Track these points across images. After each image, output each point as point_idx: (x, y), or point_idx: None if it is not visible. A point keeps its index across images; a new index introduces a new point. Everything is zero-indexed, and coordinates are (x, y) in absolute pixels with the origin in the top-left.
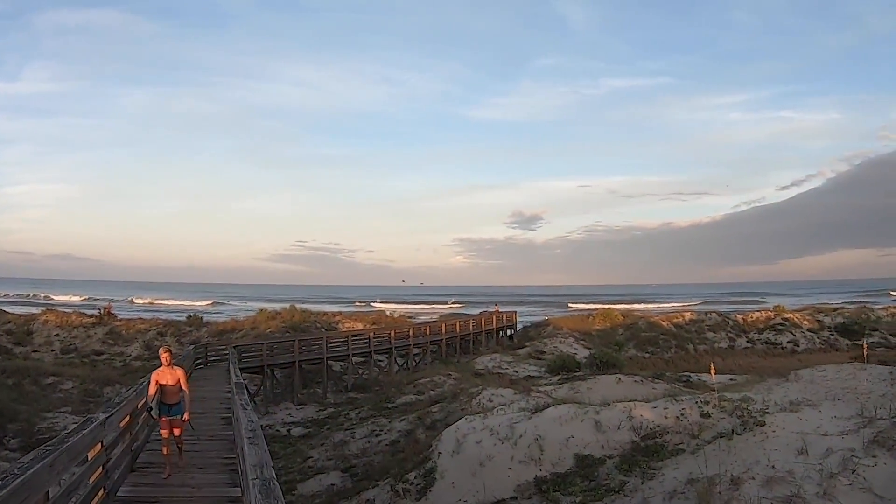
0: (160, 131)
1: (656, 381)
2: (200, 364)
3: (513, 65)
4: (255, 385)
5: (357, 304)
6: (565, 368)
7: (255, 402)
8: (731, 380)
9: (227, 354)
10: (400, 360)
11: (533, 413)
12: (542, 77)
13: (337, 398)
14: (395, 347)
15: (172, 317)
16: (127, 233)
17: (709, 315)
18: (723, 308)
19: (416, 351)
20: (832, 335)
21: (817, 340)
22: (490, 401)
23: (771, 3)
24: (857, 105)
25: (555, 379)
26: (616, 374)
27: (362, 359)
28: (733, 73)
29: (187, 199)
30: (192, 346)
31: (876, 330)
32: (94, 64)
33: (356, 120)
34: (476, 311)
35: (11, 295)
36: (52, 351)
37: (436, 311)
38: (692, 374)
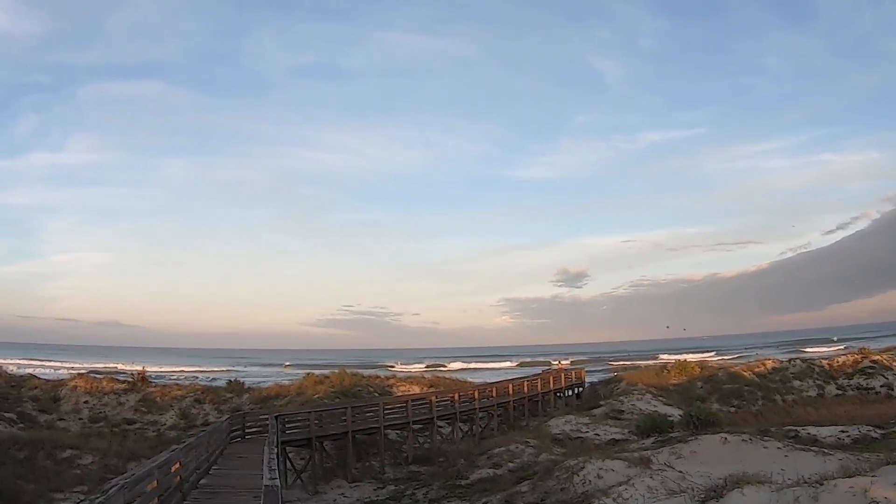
0: (202, 200)
1: (766, 438)
2: (237, 437)
3: (550, 123)
4: (303, 459)
5: (400, 364)
6: (656, 429)
7: (301, 480)
8: (842, 431)
9: (268, 424)
10: (464, 427)
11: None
12: (579, 134)
13: (396, 472)
14: (459, 412)
15: (213, 382)
16: (171, 300)
17: (792, 362)
18: (776, 354)
19: (481, 415)
20: None
21: None
22: (599, 477)
23: (802, 46)
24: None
25: (647, 442)
26: (718, 432)
27: (421, 426)
28: (769, 120)
29: (231, 266)
30: (227, 417)
31: None
32: (136, 134)
33: (397, 184)
34: (521, 370)
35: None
36: (80, 419)
37: (486, 370)
38: (798, 428)
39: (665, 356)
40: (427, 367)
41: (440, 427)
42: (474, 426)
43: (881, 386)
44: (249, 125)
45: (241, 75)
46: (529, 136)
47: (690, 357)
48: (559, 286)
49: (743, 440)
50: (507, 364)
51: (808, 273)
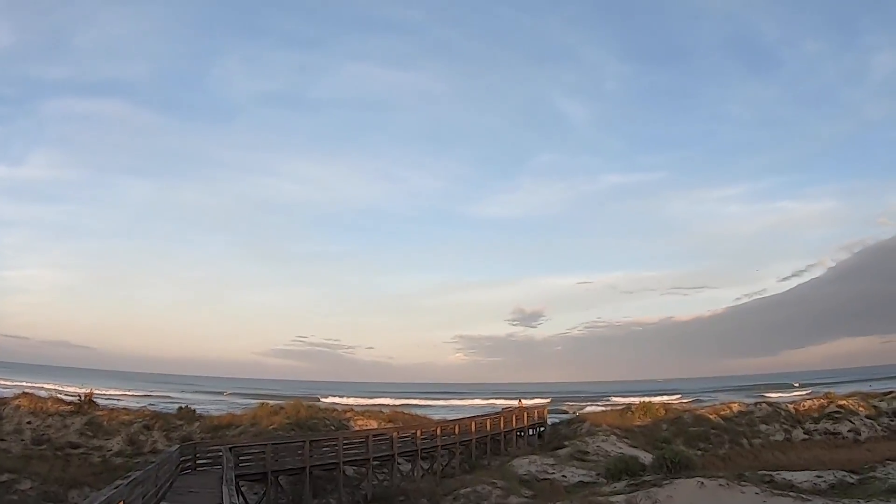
0: (162, 223)
1: (742, 483)
2: (188, 468)
3: (513, 162)
4: (256, 494)
5: (360, 399)
6: (628, 472)
7: None
8: (817, 477)
9: (220, 456)
10: (424, 464)
11: None
12: (541, 174)
13: None
14: (421, 449)
15: (163, 407)
16: (125, 322)
17: (758, 406)
18: (737, 398)
19: (442, 453)
20: (893, 421)
21: (878, 428)
22: None
23: (765, 95)
24: (854, 193)
25: (619, 485)
26: (693, 476)
27: (380, 462)
28: (730, 166)
29: (187, 292)
30: (177, 447)
31: None
32: (99, 153)
33: (357, 216)
34: (478, 408)
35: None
36: (22, 441)
37: (447, 407)
38: (772, 473)
39: (617, 398)
40: (379, 402)
41: (399, 464)
42: (435, 464)
43: (848, 431)
44: (213, 150)
45: (207, 99)
46: (492, 174)
47: (645, 400)
48: (514, 325)
49: (720, 485)
50: (463, 401)
51: (763, 319)
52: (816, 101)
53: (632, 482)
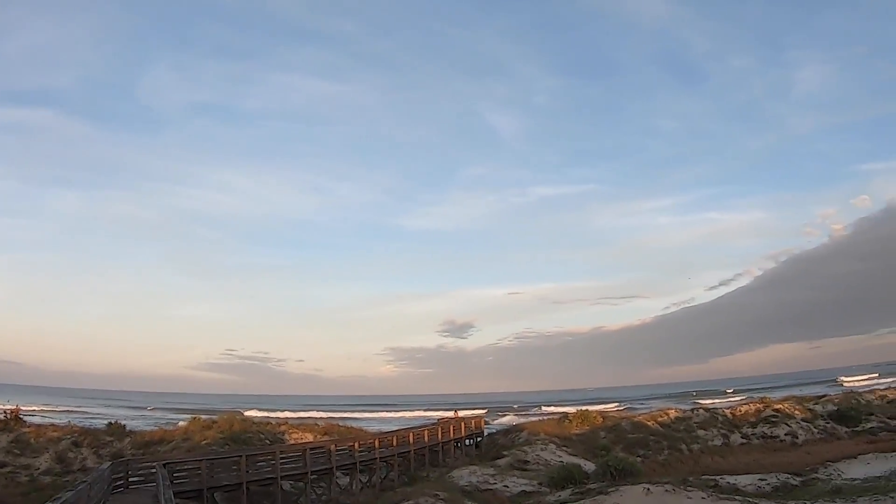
0: (91, 235)
1: (689, 488)
2: (120, 486)
3: (443, 174)
4: None
5: (287, 412)
6: (571, 481)
7: None
8: (760, 480)
9: (154, 473)
10: (363, 477)
11: None
12: (471, 186)
13: None
14: (359, 462)
15: (92, 423)
16: (52, 337)
17: (696, 412)
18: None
19: (381, 465)
20: (828, 423)
21: (815, 430)
22: None
23: (694, 109)
24: (780, 204)
25: (564, 494)
26: (638, 482)
27: (318, 476)
28: (660, 179)
29: (116, 305)
30: (109, 464)
31: (872, 414)
32: (26, 164)
33: (287, 228)
34: (411, 419)
35: None
36: None
37: (378, 419)
38: (716, 478)
39: (548, 408)
40: (311, 415)
41: (337, 478)
42: (374, 477)
43: (785, 434)
44: (143, 161)
45: (136, 109)
46: (422, 186)
47: (582, 408)
48: (445, 336)
49: (666, 490)
50: (396, 414)
51: (692, 327)
52: (743, 114)
53: (577, 490)
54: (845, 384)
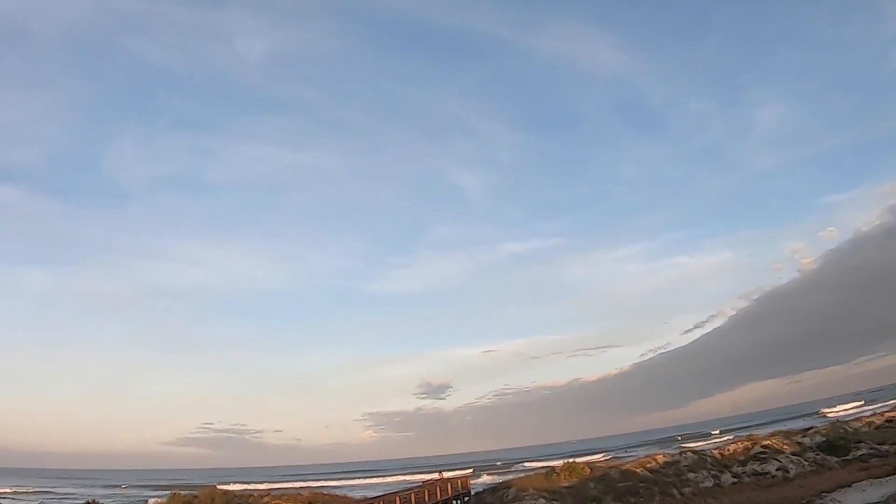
0: (58, 311)
1: None
2: None
3: (411, 236)
4: None
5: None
6: None
7: None
8: None
9: None
10: None
11: None
12: (440, 246)
13: None
14: None
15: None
16: (22, 416)
17: (684, 455)
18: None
19: None
20: (818, 455)
21: (805, 463)
22: None
23: (656, 155)
24: (749, 242)
25: None
26: None
27: None
28: (626, 226)
29: (87, 383)
30: None
31: (861, 442)
32: None
33: (257, 298)
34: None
35: None
36: None
37: (361, 486)
38: None
39: (531, 463)
40: (293, 485)
41: None
42: None
43: (776, 470)
44: (109, 235)
45: (101, 183)
46: (390, 250)
47: (569, 460)
48: (422, 398)
49: None
50: (379, 479)
51: (670, 372)
52: (706, 156)
53: None
54: (828, 415)
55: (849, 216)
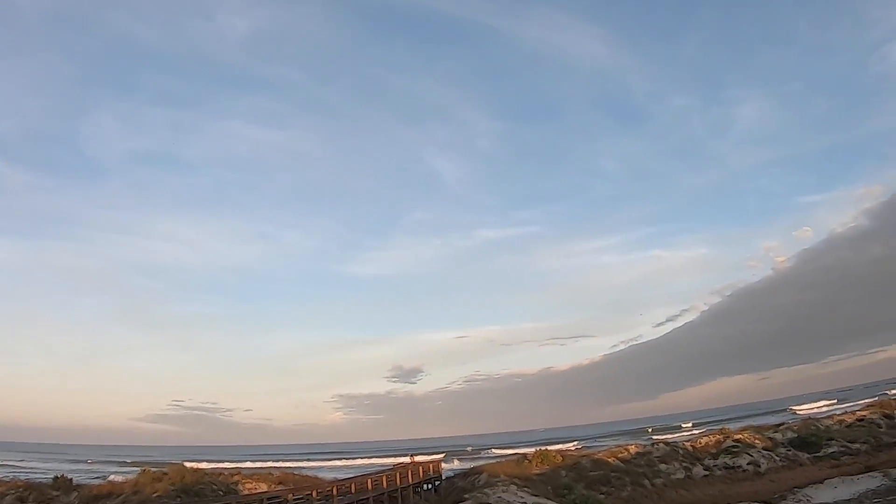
0: (32, 286)
1: None
2: None
3: (387, 220)
4: None
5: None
6: None
7: None
8: None
9: None
10: None
11: None
12: (416, 231)
13: None
14: None
15: (33, 478)
16: None
17: (656, 446)
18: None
19: None
20: (790, 451)
21: (777, 458)
22: None
23: (636, 149)
24: (724, 239)
25: None
26: None
27: None
28: (603, 219)
29: (59, 357)
30: None
31: (832, 439)
32: None
33: (232, 277)
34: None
35: None
36: None
37: (331, 467)
38: None
39: (500, 451)
40: (262, 465)
41: None
42: None
43: (748, 464)
44: (85, 210)
45: (79, 158)
46: (366, 233)
47: (541, 448)
48: (394, 382)
49: None
50: (349, 461)
51: (640, 364)
52: (685, 153)
53: None
54: (798, 412)
55: (824, 217)
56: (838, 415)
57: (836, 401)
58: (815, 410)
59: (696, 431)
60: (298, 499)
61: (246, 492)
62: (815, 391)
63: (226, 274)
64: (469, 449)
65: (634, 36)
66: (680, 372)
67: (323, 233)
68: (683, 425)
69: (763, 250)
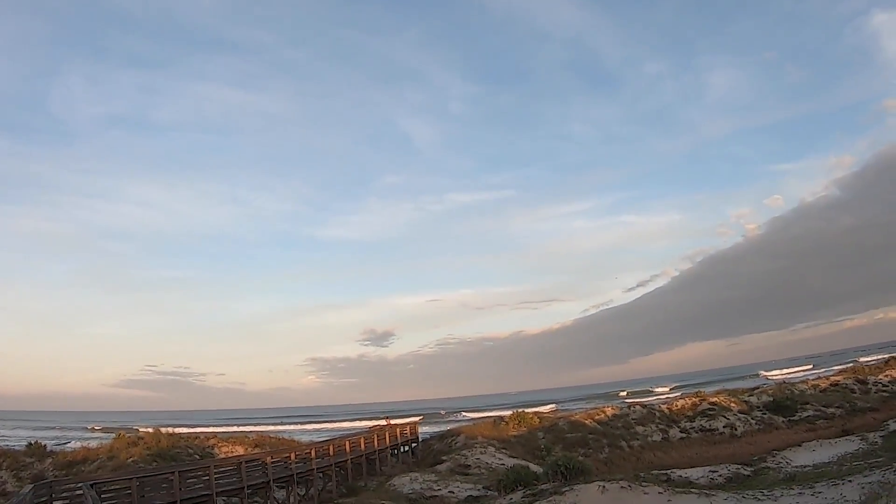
0: (0, 251)
1: (644, 484)
2: None
3: (359, 183)
4: None
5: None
6: (520, 482)
7: None
8: (712, 472)
9: (81, 495)
10: (300, 491)
11: None
12: (388, 194)
13: None
14: (297, 474)
15: (9, 445)
16: None
17: (633, 408)
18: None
19: (318, 476)
20: (765, 414)
21: (753, 422)
22: None
23: (608, 114)
24: (695, 205)
25: (516, 497)
26: (592, 481)
27: (252, 491)
28: (575, 183)
29: (28, 322)
30: (30, 487)
31: (807, 403)
32: None
33: (203, 241)
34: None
35: None
36: None
37: (305, 431)
38: (667, 472)
39: (472, 414)
40: (237, 430)
41: (273, 492)
42: (311, 489)
43: (724, 426)
44: (55, 174)
45: (47, 121)
46: (338, 196)
47: (519, 410)
48: (366, 345)
49: (622, 487)
50: (323, 425)
51: (611, 329)
52: (657, 119)
53: (529, 492)
54: (769, 377)
55: (795, 186)
56: (812, 380)
57: (811, 366)
58: (788, 375)
59: (671, 395)
60: (277, 462)
61: (222, 455)
62: (783, 357)
63: (197, 238)
64: (443, 412)
65: (608, 1)
66: (650, 337)
67: (295, 196)
68: (655, 389)
69: (734, 217)
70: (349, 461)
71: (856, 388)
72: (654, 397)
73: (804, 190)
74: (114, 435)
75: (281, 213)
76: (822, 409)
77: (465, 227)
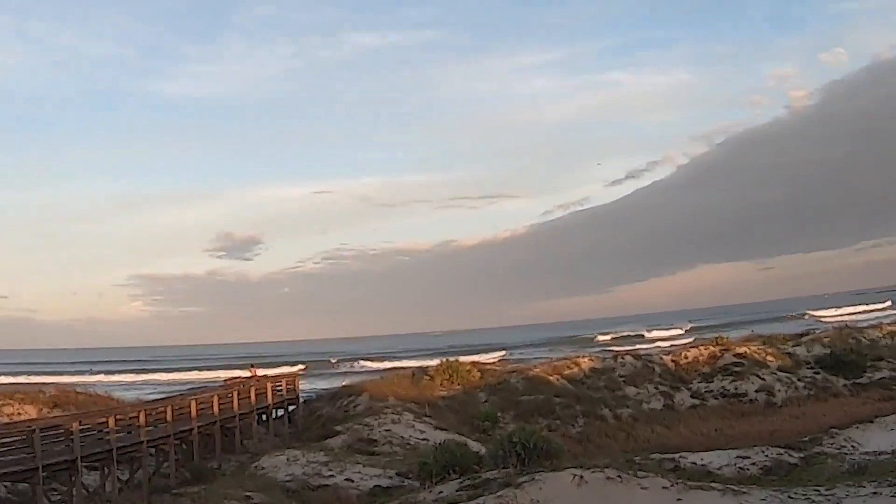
0: None
1: (640, 474)
2: None
3: (215, 16)
4: None
5: None
6: (454, 468)
7: None
8: (740, 458)
9: None
10: (122, 473)
11: None
12: (256, 32)
13: None
14: (117, 448)
15: None
16: None
17: (619, 359)
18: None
19: (150, 452)
20: (818, 374)
21: (800, 385)
22: None
23: None
24: (715, 59)
25: (448, 489)
26: (563, 468)
27: (49, 473)
28: (535, 21)
29: None
30: None
31: (881, 359)
32: None
33: None
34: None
35: None
36: None
37: (127, 384)
38: (673, 456)
39: (378, 364)
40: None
41: (82, 475)
42: (140, 471)
43: (757, 391)
44: None
45: None
46: (182, 35)
47: (450, 359)
48: (220, 258)
49: (608, 478)
50: (154, 376)
51: (585, 241)
52: None
53: (468, 483)
54: (822, 320)
55: (866, 32)
56: (888, 324)
57: (888, 303)
58: (851, 317)
59: (678, 342)
60: (88, 431)
61: (6, 419)
62: (845, 290)
63: None
64: (334, 360)
65: None
66: (645, 254)
67: (116, 33)
68: (652, 332)
69: (773, 80)
70: (196, 430)
71: None
72: (652, 344)
73: (879, 40)
74: None
75: (98, 57)
76: None
77: (368, 85)
